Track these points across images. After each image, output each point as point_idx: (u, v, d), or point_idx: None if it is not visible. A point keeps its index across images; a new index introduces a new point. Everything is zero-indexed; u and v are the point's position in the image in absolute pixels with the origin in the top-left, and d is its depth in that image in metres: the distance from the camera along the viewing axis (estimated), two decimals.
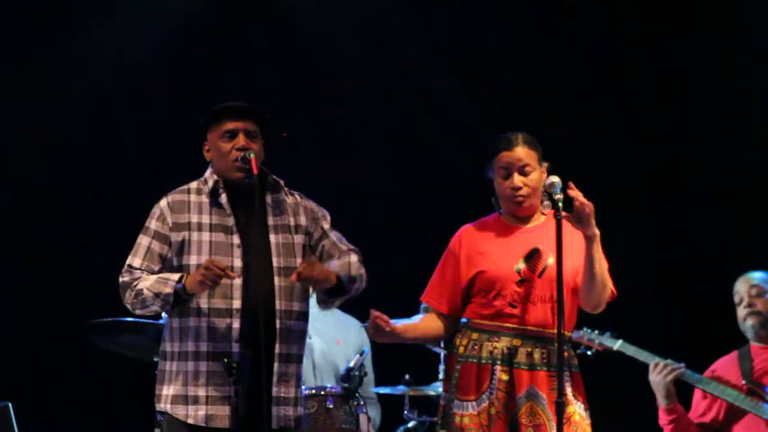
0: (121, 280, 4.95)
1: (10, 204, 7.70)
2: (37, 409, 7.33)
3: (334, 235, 5.10)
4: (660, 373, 6.07)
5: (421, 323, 5.22)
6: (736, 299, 6.24)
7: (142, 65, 7.77)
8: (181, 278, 4.82)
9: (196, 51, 7.89)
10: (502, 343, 5.03)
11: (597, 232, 4.96)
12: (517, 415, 4.99)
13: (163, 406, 4.90)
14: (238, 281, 4.86)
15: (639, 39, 7.80)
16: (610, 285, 5.04)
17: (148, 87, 7.84)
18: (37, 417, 7.18)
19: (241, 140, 4.96)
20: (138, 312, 4.95)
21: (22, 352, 7.58)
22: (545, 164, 5.15)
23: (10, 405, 6.59)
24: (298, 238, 5.04)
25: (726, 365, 6.24)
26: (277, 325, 4.89)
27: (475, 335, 5.09)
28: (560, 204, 4.92)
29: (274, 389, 4.89)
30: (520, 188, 5.09)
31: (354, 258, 5.05)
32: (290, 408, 4.95)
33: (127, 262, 4.97)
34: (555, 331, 4.97)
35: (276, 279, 4.92)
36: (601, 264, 5.00)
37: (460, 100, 7.90)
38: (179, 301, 4.84)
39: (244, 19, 8.01)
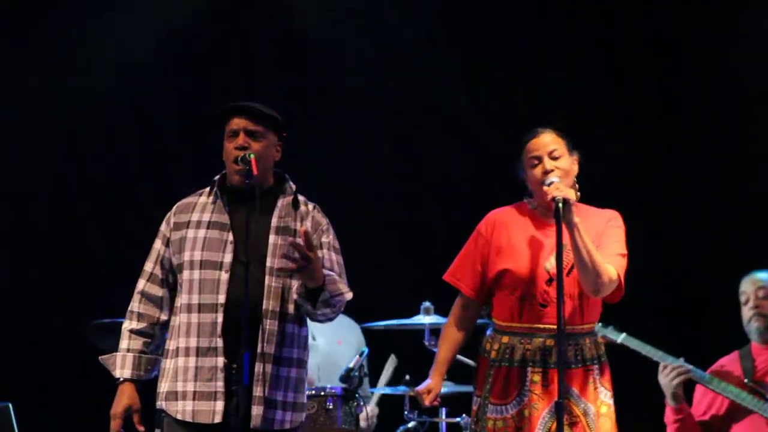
0: (137, 286, 5.02)
1: (10, 203, 7.70)
2: (37, 409, 7.34)
3: (334, 257, 4.97)
4: (667, 376, 6.04)
5: (450, 340, 5.17)
6: (742, 299, 6.19)
7: (142, 65, 7.77)
8: (123, 372, 4.95)
9: (197, 51, 7.89)
10: (535, 345, 5.01)
11: (576, 220, 4.91)
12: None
13: (161, 403, 4.89)
14: (225, 276, 4.82)
15: (639, 39, 7.79)
16: (606, 271, 4.96)
17: (148, 87, 7.84)
18: (37, 417, 7.18)
19: (240, 139, 4.88)
20: None
21: (22, 352, 7.58)
22: (576, 155, 5.11)
23: (10, 405, 6.59)
24: None
25: (727, 365, 6.22)
26: (264, 325, 4.80)
27: (505, 339, 5.06)
28: (560, 205, 4.90)
29: (254, 389, 4.76)
30: (551, 171, 5.02)
31: (347, 295, 4.86)
32: (275, 411, 4.81)
33: (144, 267, 5.01)
34: (584, 326, 5.06)
35: (267, 279, 4.82)
36: (588, 250, 4.91)
37: (460, 99, 7.90)
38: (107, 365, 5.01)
39: (244, 19, 8.01)
